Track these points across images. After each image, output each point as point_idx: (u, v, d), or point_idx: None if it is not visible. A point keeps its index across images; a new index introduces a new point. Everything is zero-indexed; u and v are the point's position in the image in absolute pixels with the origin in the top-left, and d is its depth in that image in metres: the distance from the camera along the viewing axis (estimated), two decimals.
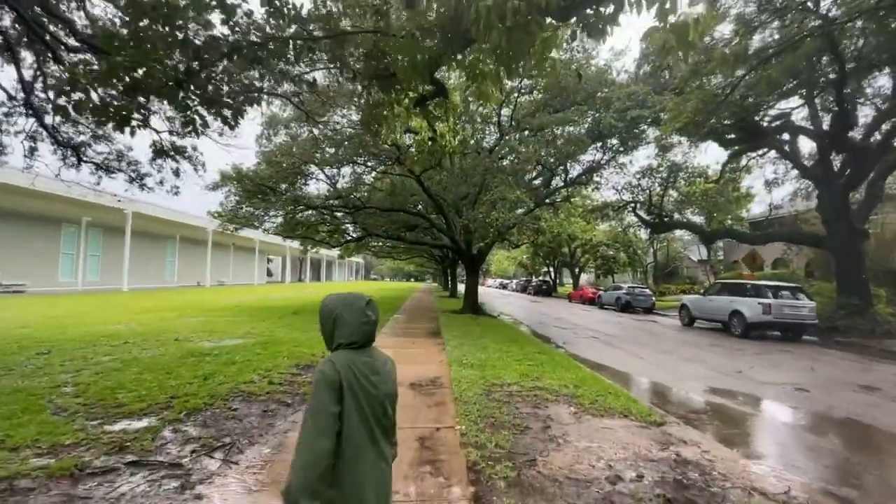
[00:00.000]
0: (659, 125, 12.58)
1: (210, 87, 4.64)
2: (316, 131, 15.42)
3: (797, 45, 10.21)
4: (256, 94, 5.43)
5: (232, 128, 5.46)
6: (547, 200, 16.68)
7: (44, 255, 24.38)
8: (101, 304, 15.90)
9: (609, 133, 12.90)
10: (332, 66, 5.20)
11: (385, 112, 4.27)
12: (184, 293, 25.26)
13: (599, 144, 14.85)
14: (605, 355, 9.40)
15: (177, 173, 8.98)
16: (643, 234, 29.64)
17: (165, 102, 7.88)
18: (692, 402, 6.19)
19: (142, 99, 4.44)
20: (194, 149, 8.94)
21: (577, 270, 38.07)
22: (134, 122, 4.53)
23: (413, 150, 10.41)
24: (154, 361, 6.18)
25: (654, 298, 21.00)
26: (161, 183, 8.88)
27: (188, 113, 4.61)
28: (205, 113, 5.08)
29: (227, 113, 5.35)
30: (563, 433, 4.12)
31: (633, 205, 19.33)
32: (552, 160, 12.83)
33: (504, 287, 56.38)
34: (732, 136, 14.97)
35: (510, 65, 3.18)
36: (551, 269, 42.64)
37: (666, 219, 18.92)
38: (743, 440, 4.76)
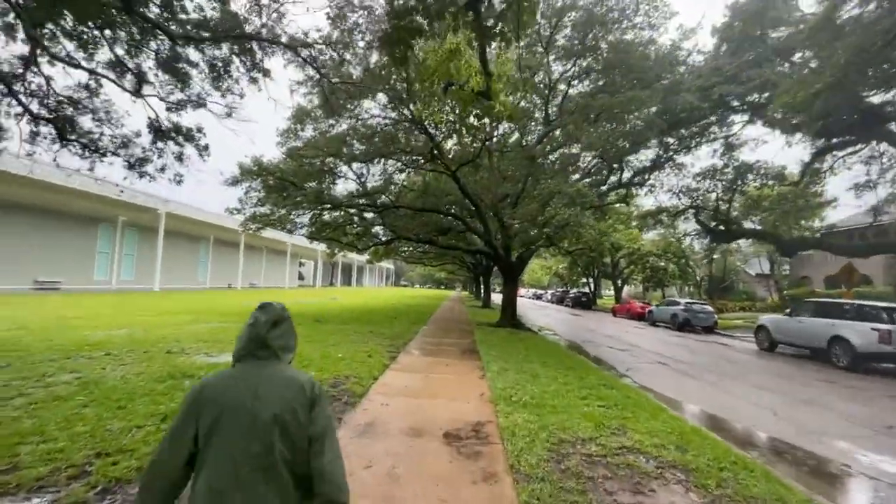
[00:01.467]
0: (753, 107, 10.38)
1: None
2: (345, 126, 14.28)
3: None
4: (242, 36, 4.05)
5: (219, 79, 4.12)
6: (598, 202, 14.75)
7: (80, 253, 24.54)
8: (122, 305, 15.23)
9: (689, 117, 10.88)
10: None
11: (416, 24, 2.71)
12: (212, 295, 24.75)
13: (661, 138, 12.86)
14: (686, 390, 7.48)
15: (180, 158, 7.82)
16: (696, 244, 26.96)
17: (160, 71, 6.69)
18: (862, 483, 4.24)
19: None
20: (199, 130, 7.78)
21: (619, 282, 35.41)
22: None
23: (452, 119, 8.76)
24: (118, 386, 4.86)
25: (716, 316, 18.51)
26: (163, 170, 7.73)
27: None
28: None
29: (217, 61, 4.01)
30: None
31: (693, 210, 17.03)
32: (614, 150, 10.97)
33: (538, 298, 53.99)
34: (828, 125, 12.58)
35: None
36: (590, 281, 40.03)
37: (733, 226, 16.52)
38: None
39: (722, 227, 16.70)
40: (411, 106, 10.26)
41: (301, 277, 58.60)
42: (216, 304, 17.44)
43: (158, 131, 7.05)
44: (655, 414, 5.28)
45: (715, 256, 28.40)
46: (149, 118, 7.00)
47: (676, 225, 22.04)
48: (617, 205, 15.54)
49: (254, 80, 7.78)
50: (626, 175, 15.17)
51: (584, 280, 43.14)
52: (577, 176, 14.52)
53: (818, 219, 22.57)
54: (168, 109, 7.08)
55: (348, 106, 13.75)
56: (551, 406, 5.24)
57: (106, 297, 18.36)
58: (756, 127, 20.29)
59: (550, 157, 13.81)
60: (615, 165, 13.72)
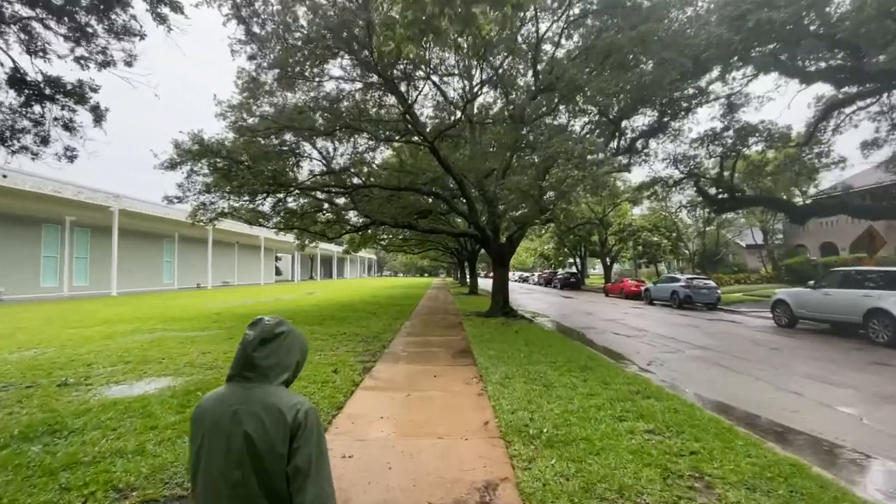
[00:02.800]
0: (782, 42, 8.71)
1: None
2: (304, 98, 12.33)
3: None
4: None
5: None
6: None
7: (22, 258, 22.06)
8: (61, 315, 13.19)
9: (717, 55, 9.20)
10: None
11: None
12: (175, 297, 22.58)
13: (673, 92, 11.26)
14: (730, 388, 6.07)
15: (68, 127, 5.90)
16: (688, 217, 25.85)
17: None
18: None
19: None
20: (92, 89, 5.85)
21: (608, 261, 34.32)
22: None
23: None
24: None
25: (719, 292, 17.38)
26: (44, 142, 5.78)
27: None
28: None
29: None
30: None
31: (694, 178, 15.66)
32: (623, 103, 9.28)
33: (525, 280, 52.97)
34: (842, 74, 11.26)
35: None
36: (577, 260, 38.91)
37: (738, 194, 15.25)
38: None
39: (725, 195, 15.41)
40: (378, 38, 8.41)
41: (278, 272, 56.11)
42: (172, 309, 15.45)
43: (23, 85, 5.11)
44: (728, 440, 3.79)
45: (709, 228, 27.40)
46: (8, 68, 5.05)
47: (670, 197, 20.80)
48: (616, 171, 14.03)
49: (160, 19, 5.87)
50: (624, 143, 13.68)
51: (571, 260, 42.04)
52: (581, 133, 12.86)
53: (814, 185, 21.63)
54: (32, 53, 5.13)
55: (306, 73, 11.83)
56: (585, 440, 3.70)
57: (48, 307, 16.16)
58: (763, 82, 19.02)
59: (541, 124, 12.14)
60: (616, 128, 12.11)
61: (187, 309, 15.41)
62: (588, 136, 12.10)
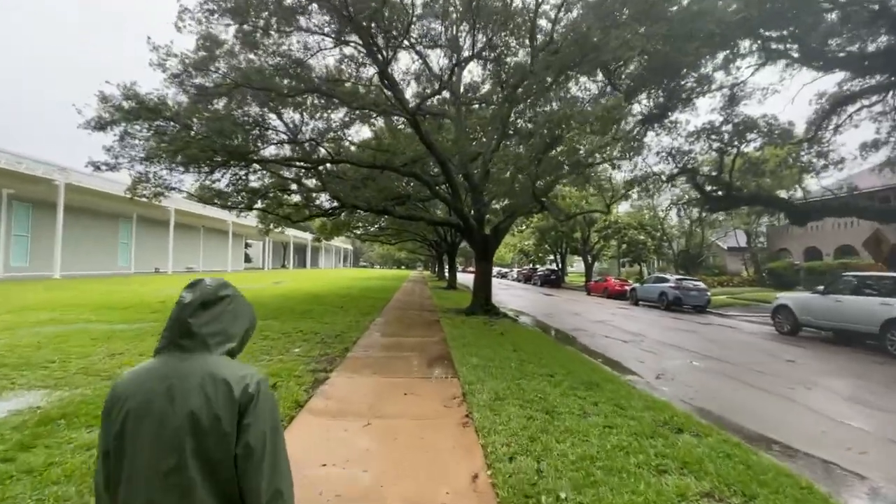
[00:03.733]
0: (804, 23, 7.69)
1: None
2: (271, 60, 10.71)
3: None
4: None
5: None
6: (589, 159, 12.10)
7: None
8: None
9: (736, 32, 8.01)
10: None
11: None
12: (126, 282, 20.55)
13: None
14: (772, 415, 4.98)
15: None
16: (675, 215, 25.22)
17: None
18: None
19: None
20: None
21: (589, 259, 33.61)
22: None
23: None
24: None
25: (709, 295, 16.64)
26: None
27: None
28: None
29: None
30: None
31: (689, 174, 14.73)
32: (644, 64, 8.00)
33: (503, 276, 52.08)
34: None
35: None
36: (558, 257, 38.11)
37: (734, 192, 14.42)
38: None
39: (720, 193, 14.57)
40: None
41: (248, 259, 53.66)
42: (114, 294, 13.63)
43: None
44: None
45: (695, 229, 26.82)
46: None
47: (659, 194, 19.98)
48: (617, 159, 12.91)
49: None
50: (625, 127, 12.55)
51: (552, 257, 41.26)
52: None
53: (797, 187, 21.24)
54: None
55: (271, 32, 10.23)
56: None
57: None
58: (770, 72, 18.27)
59: (539, 100, 10.88)
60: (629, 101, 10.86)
61: (131, 296, 13.62)
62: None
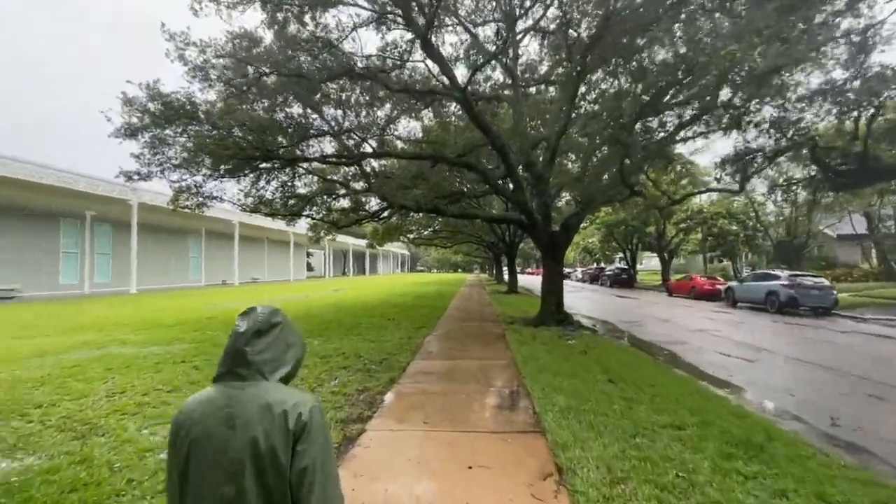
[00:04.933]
0: None
1: None
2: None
3: None
4: None
5: None
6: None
7: (41, 254, 21.18)
8: (43, 315, 11.70)
9: None
10: None
11: None
12: (189, 295, 20.98)
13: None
14: None
15: None
16: (775, 199, 21.58)
17: None
18: None
19: None
20: None
21: (666, 255, 30.11)
22: None
23: None
24: None
25: (835, 293, 13.50)
26: None
27: None
28: None
29: None
30: None
31: (810, 145, 11.87)
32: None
33: (566, 277, 49.08)
34: None
35: None
36: (627, 254, 34.77)
37: (871, 163, 11.40)
38: None
39: (852, 167, 11.60)
40: None
41: (310, 268, 55.02)
42: (168, 310, 13.45)
43: None
44: None
45: (800, 217, 22.70)
46: None
47: (757, 175, 16.84)
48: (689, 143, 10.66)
49: None
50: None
51: (621, 255, 37.86)
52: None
53: None
54: None
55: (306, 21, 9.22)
56: None
57: (47, 306, 14.65)
58: None
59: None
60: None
61: (185, 310, 13.35)
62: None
